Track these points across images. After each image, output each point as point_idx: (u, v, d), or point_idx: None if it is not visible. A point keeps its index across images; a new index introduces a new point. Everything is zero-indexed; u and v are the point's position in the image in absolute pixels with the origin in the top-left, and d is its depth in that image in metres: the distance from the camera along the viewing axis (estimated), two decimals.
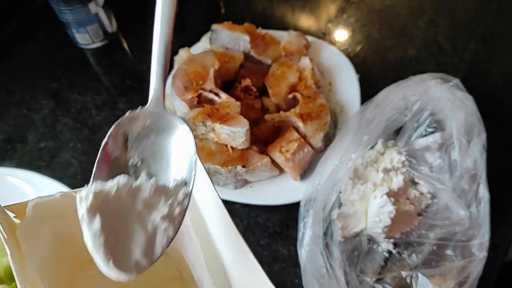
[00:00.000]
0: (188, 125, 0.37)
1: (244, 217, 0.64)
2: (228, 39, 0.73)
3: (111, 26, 0.84)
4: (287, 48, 0.71)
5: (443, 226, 0.59)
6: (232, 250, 0.35)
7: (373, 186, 0.59)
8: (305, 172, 0.63)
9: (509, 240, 0.60)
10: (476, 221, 0.57)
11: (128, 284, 0.32)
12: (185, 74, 0.66)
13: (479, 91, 0.71)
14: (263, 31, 0.75)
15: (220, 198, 0.33)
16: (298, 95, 0.67)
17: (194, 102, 0.65)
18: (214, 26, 0.73)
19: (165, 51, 0.37)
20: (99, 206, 0.33)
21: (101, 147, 0.36)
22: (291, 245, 0.60)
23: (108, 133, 0.36)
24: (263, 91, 0.70)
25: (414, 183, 0.63)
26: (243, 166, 0.61)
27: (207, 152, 0.62)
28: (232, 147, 0.62)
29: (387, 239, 0.59)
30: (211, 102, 0.66)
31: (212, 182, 0.35)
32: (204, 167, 0.61)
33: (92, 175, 0.36)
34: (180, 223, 0.34)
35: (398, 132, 0.64)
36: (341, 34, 0.82)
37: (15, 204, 0.39)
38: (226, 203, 0.64)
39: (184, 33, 0.86)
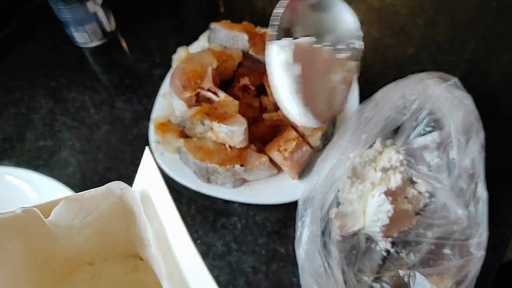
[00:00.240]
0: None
1: (242, 216, 0.64)
2: (226, 38, 0.73)
3: (109, 25, 0.84)
4: None
5: (441, 225, 0.59)
6: (186, 260, 0.35)
7: (371, 185, 0.59)
8: (303, 171, 0.63)
9: (507, 240, 0.60)
10: (474, 220, 0.57)
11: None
12: (183, 73, 0.66)
13: (478, 90, 0.71)
14: (262, 30, 0.74)
15: (178, 213, 0.34)
16: None
17: (192, 101, 0.65)
18: (213, 25, 0.73)
19: None
20: (298, 55, 0.38)
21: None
22: (289, 244, 0.61)
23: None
24: (261, 90, 0.70)
25: (412, 182, 0.63)
26: (241, 165, 0.61)
27: (205, 151, 0.62)
28: (230, 146, 0.62)
29: (385, 238, 0.59)
30: (209, 101, 0.66)
31: (171, 197, 0.35)
32: (202, 166, 0.61)
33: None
34: (350, 88, 0.43)
35: (396, 131, 0.64)
36: None
37: None
38: (224, 202, 0.65)
39: (183, 32, 0.86)
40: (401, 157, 0.62)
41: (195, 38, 0.80)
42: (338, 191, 0.60)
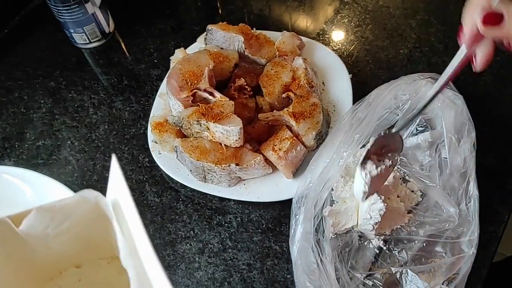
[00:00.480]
0: None
1: (238, 214, 0.65)
2: (223, 39, 0.74)
3: (108, 26, 0.85)
4: (280, 48, 0.72)
5: (433, 223, 0.60)
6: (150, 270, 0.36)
7: None
8: (298, 170, 0.64)
9: (498, 238, 0.61)
10: (466, 218, 0.58)
11: None
12: (180, 73, 0.67)
13: (470, 90, 0.72)
14: (257, 32, 0.76)
15: (141, 222, 0.33)
16: (292, 95, 0.68)
17: (189, 101, 0.66)
18: (209, 27, 0.74)
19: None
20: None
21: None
22: (283, 241, 0.62)
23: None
24: (257, 91, 0.71)
25: (404, 181, 0.64)
26: (237, 164, 0.62)
27: (202, 150, 0.63)
28: (226, 146, 0.63)
29: (377, 236, 0.60)
30: (205, 101, 0.67)
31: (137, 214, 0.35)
32: (198, 165, 0.62)
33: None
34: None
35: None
36: (335, 35, 0.83)
37: None
38: (220, 200, 0.66)
39: (181, 33, 0.87)
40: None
41: (193, 39, 0.81)
42: (332, 189, 0.61)
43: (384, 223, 0.60)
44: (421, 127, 0.64)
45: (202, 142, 0.64)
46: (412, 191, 0.63)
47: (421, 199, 0.63)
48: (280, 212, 0.64)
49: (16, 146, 0.75)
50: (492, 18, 0.44)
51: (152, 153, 0.69)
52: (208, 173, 0.63)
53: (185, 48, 0.78)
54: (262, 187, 0.64)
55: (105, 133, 0.75)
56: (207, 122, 0.62)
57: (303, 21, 0.86)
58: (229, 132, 0.61)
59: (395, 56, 0.78)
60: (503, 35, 0.45)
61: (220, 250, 0.62)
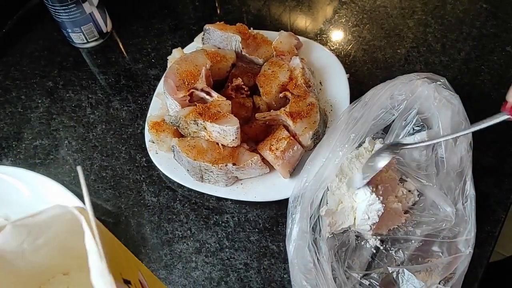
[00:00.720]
0: None
1: (235, 213, 0.65)
2: (220, 39, 0.74)
3: (105, 25, 0.85)
4: (278, 48, 0.72)
5: (429, 223, 0.60)
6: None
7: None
8: (295, 169, 0.64)
9: (494, 237, 0.61)
10: (463, 218, 0.58)
11: None
12: (177, 73, 0.67)
13: (468, 90, 0.73)
14: (255, 31, 0.76)
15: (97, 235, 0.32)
16: (289, 94, 0.68)
17: (186, 101, 0.66)
18: (207, 26, 0.74)
19: None
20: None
21: None
22: (280, 241, 0.62)
23: None
24: (254, 90, 0.71)
25: (401, 181, 0.64)
26: (234, 164, 0.62)
27: (199, 150, 0.63)
28: (223, 145, 0.63)
29: (374, 236, 0.60)
30: (202, 101, 0.67)
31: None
32: (195, 164, 0.62)
33: None
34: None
35: (386, 130, 0.65)
36: (332, 34, 0.83)
37: None
38: (217, 200, 0.66)
39: (179, 32, 0.87)
40: None
41: (190, 39, 0.81)
42: (328, 189, 0.61)
43: (381, 223, 0.60)
44: (417, 126, 0.64)
45: (199, 141, 0.64)
46: (409, 191, 0.63)
47: (418, 198, 0.63)
48: (277, 211, 0.64)
49: (14, 146, 0.75)
50: None
51: (149, 152, 0.69)
52: (205, 172, 0.63)
53: (183, 47, 0.78)
54: (259, 187, 0.64)
55: (102, 133, 0.75)
56: (204, 121, 0.62)
57: (300, 21, 0.86)
58: (226, 131, 0.61)
59: (392, 56, 0.78)
60: None
61: (217, 250, 0.62)
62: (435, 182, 0.61)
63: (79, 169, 0.32)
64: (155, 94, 0.74)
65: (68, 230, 0.36)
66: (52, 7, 0.78)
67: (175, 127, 0.66)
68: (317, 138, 0.65)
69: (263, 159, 0.64)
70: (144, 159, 0.71)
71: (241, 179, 0.65)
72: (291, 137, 0.64)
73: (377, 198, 0.58)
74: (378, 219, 0.58)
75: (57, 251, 0.39)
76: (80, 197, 0.61)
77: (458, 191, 0.59)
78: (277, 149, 0.63)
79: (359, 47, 0.80)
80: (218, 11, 0.91)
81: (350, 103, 0.67)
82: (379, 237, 0.60)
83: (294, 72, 0.69)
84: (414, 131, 0.64)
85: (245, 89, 0.70)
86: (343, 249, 0.59)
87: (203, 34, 0.76)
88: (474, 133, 0.60)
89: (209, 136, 0.63)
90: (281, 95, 0.69)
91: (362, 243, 0.60)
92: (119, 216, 0.66)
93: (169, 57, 0.76)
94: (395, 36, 0.81)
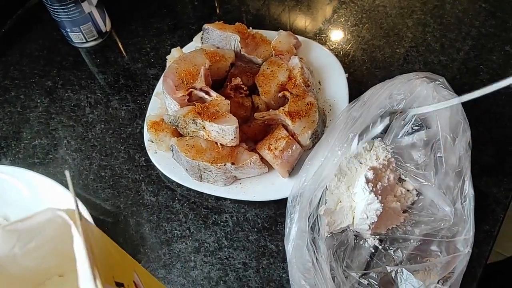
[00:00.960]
0: None
1: (234, 213, 0.65)
2: (219, 38, 0.74)
3: (104, 25, 0.85)
4: (277, 47, 0.72)
5: (428, 222, 0.60)
6: None
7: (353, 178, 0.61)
8: (294, 169, 0.64)
9: (493, 237, 0.61)
10: (461, 217, 0.58)
11: None
12: (176, 72, 0.67)
13: (466, 90, 0.72)
14: (254, 31, 0.76)
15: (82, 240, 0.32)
16: (288, 94, 0.68)
17: (185, 100, 0.66)
18: (206, 26, 0.74)
19: None
20: None
21: None
22: (279, 240, 0.62)
23: None
24: (253, 90, 0.71)
25: (400, 180, 0.64)
26: (233, 163, 0.62)
27: (197, 149, 0.63)
28: (222, 145, 0.63)
29: (373, 236, 0.60)
30: (201, 100, 0.67)
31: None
32: (194, 164, 0.62)
33: None
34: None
35: (384, 131, 0.65)
36: (331, 34, 0.83)
37: None
38: (216, 199, 0.66)
39: (178, 32, 0.87)
40: (389, 155, 0.63)
41: (189, 38, 0.81)
42: (327, 188, 0.61)
43: (380, 223, 0.60)
44: (416, 126, 0.64)
45: (198, 141, 0.64)
46: (408, 191, 0.63)
47: (416, 198, 0.63)
48: (275, 211, 0.64)
49: (13, 145, 0.75)
50: None
51: (148, 152, 0.69)
52: (204, 172, 0.63)
53: (182, 47, 0.78)
54: (258, 186, 0.64)
55: (101, 132, 0.75)
56: (202, 121, 0.62)
57: (300, 21, 0.86)
58: (225, 131, 0.61)
59: (391, 56, 0.78)
60: None
61: (216, 249, 0.62)
62: (434, 181, 0.61)
63: (67, 173, 0.32)
64: (154, 93, 0.74)
65: (61, 233, 0.36)
66: (51, 7, 0.78)
67: (174, 127, 0.66)
68: (316, 137, 0.65)
69: (262, 159, 0.64)
70: (143, 158, 0.71)
71: (240, 179, 0.65)
72: (290, 137, 0.64)
73: (376, 198, 0.58)
74: (376, 218, 0.58)
75: (51, 254, 0.38)
76: (78, 196, 0.62)
77: (456, 191, 0.59)
78: (276, 149, 0.63)
79: (358, 46, 0.80)
80: (218, 11, 0.91)
81: (349, 102, 0.67)
82: (377, 237, 0.60)
83: (293, 72, 0.69)
84: (413, 130, 0.64)
85: (244, 89, 0.70)
86: (342, 249, 0.59)
87: (202, 34, 0.76)
88: (473, 133, 0.60)
89: (208, 136, 0.63)
90: (280, 94, 0.69)
91: (361, 242, 0.60)
92: (118, 216, 0.66)
93: (168, 57, 0.76)
94: (394, 35, 0.81)
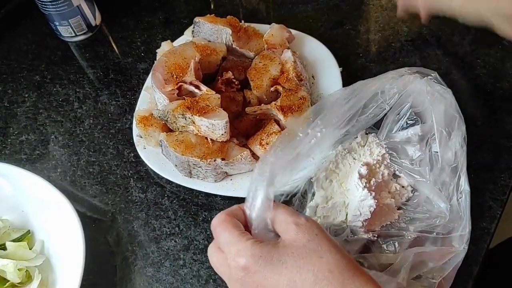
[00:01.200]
0: None
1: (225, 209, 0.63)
2: (210, 31, 0.72)
3: (94, 19, 0.84)
4: (269, 41, 0.71)
5: (423, 219, 0.59)
6: None
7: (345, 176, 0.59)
8: None
9: (490, 234, 0.59)
10: (457, 214, 0.56)
11: None
12: (165, 66, 0.65)
13: (461, 84, 0.71)
14: (246, 24, 0.74)
15: None
16: (280, 88, 0.66)
17: (174, 95, 0.64)
18: (197, 19, 0.73)
19: None
20: None
21: None
22: None
23: None
24: (245, 84, 0.69)
25: (395, 176, 0.62)
26: (223, 159, 0.60)
27: (187, 144, 0.62)
28: (212, 140, 0.62)
29: (367, 233, 0.58)
30: (191, 94, 0.65)
31: None
32: (183, 159, 0.60)
33: None
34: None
35: (378, 125, 0.63)
36: (325, 28, 0.81)
37: None
38: (207, 196, 0.64)
39: (169, 26, 0.85)
40: (383, 151, 0.61)
41: (181, 32, 0.79)
42: (313, 182, 0.59)
43: (374, 220, 0.58)
44: (411, 120, 0.62)
45: (187, 136, 0.63)
46: (403, 187, 0.62)
47: (411, 194, 0.61)
48: None
49: None
50: None
51: (137, 148, 0.67)
52: (194, 168, 0.62)
53: (173, 41, 0.76)
54: (249, 183, 0.62)
55: (90, 128, 0.73)
56: (192, 115, 0.60)
57: (293, 14, 0.84)
58: (215, 126, 0.60)
59: (386, 50, 0.77)
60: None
61: (206, 247, 0.60)
62: (429, 177, 0.60)
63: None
64: (143, 88, 0.72)
65: None
66: (39, 0, 0.76)
67: (163, 122, 0.64)
68: None
69: (253, 154, 0.62)
70: (132, 154, 0.69)
71: (230, 175, 0.64)
72: (282, 132, 0.62)
73: (369, 194, 0.57)
74: (370, 215, 0.56)
75: None
76: (65, 193, 0.60)
77: (452, 187, 0.58)
78: (267, 144, 0.61)
79: (353, 40, 0.79)
80: (212, 6, 0.89)
81: None
82: (371, 234, 0.58)
83: (286, 66, 0.68)
84: (408, 125, 0.62)
85: (236, 83, 0.68)
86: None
87: (193, 27, 0.74)
88: (470, 129, 0.59)
89: (198, 131, 0.62)
90: (272, 89, 0.67)
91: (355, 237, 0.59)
92: (106, 213, 0.64)
93: (158, 50, 0.74)
94: (390, 29, 0.80)
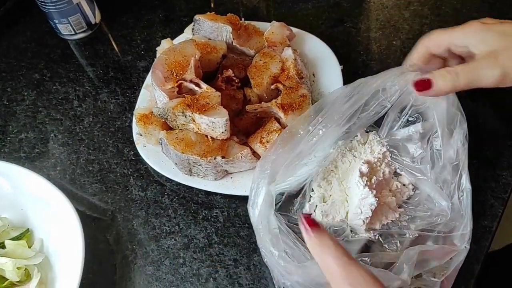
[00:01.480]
0: None
1: (225, 208, 0.63)
2: (210, 29, 0.72)
3: (94, 16, 0.83)
4: (270, 38, 0.71)
5: (424, 217, 0.58)
6: None
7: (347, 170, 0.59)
8: None
9: (492, 232, 0.59)
10: (458, 212, 0.56)
11: None
12: (165, 64, 0.65)
13: None
14: (246, 22, 0.74)
15: None
16: (280, 86, 0.66)
17: (174, 93, 0.64)
18: (197, 17, 0.72)
19: None
20: None
21: None
22: None
23: None
24: (245, 82, 0.69)
25: (396, 174, 0.62)
26: (223, 157, 0.60)
27: (187, 142, 0.61)
28: (212, 138, 0.62)
29: (367, 231, 0.58)
30: (191, 92, 0.65)
31: None
32: (183, 157, 0.60)
33: None
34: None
35: (378, 123, 0.63)
36: (326, 26, 0.81)
37: None
38: (207, 194, 0.64)
39: (170, 24, 0.85)
40: (384, 149, 0.61)
41: (181, 30, 0.79)
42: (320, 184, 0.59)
43: (375, 218, 0.58)
44: (412, 117, 0.62)
45: (187, 134, 0.62)
46: (404, 185, 0.62)
47: (412, 193, 0.61)
48: None
49: None
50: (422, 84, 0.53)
51: (136, 146, 0.67)
52: (194, 166, 0.61)
53: (173, 39, 0.76)
54: (250, 181, 0.62)
55: (89, 126, 0.73)
56: (192, 113, 0.60)
57: (293, 12, 0.84)
58: (215, 123, 0.59)
59: (387, 48, 0.77)
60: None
61: (206, 245, 0.60)
62: (430, 175, 0.59)
63: None
64: (143, 86, 0.72)
65: None
66: None
67: (163, 120, 0.64)
68: None
69: (254, 152, 0.62)
70: (132, 152, 0.69)
71: (231, 173, 0.63)
72: (282, 130, 0.62)
73: (370, 192, 0.56)
74: (371, 213, 0.56)
75: None
76: (65, 191, 0.60)
77: (453, 185, 0.57)
78: (267, 142, 0.61)
79: (354, 38, 0.78)
80: (212, 4, 0.89)
81: None
82: (372, 233, 0.58)
83: (286, 63, 0.68)
84: (409, 122, 0.62)
85: (236, 81, 0.68)
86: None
87: (193, 25, 0.74)
88: (471, 127, 0.58)
89: (198, 129, 0.62)
90: (272, 87, 0.67)
91: (356, 237, 0.58)
92: (106, 211, 0.64)
93: (158, 48, 0.74)
94: (391, 27, 0.79)
